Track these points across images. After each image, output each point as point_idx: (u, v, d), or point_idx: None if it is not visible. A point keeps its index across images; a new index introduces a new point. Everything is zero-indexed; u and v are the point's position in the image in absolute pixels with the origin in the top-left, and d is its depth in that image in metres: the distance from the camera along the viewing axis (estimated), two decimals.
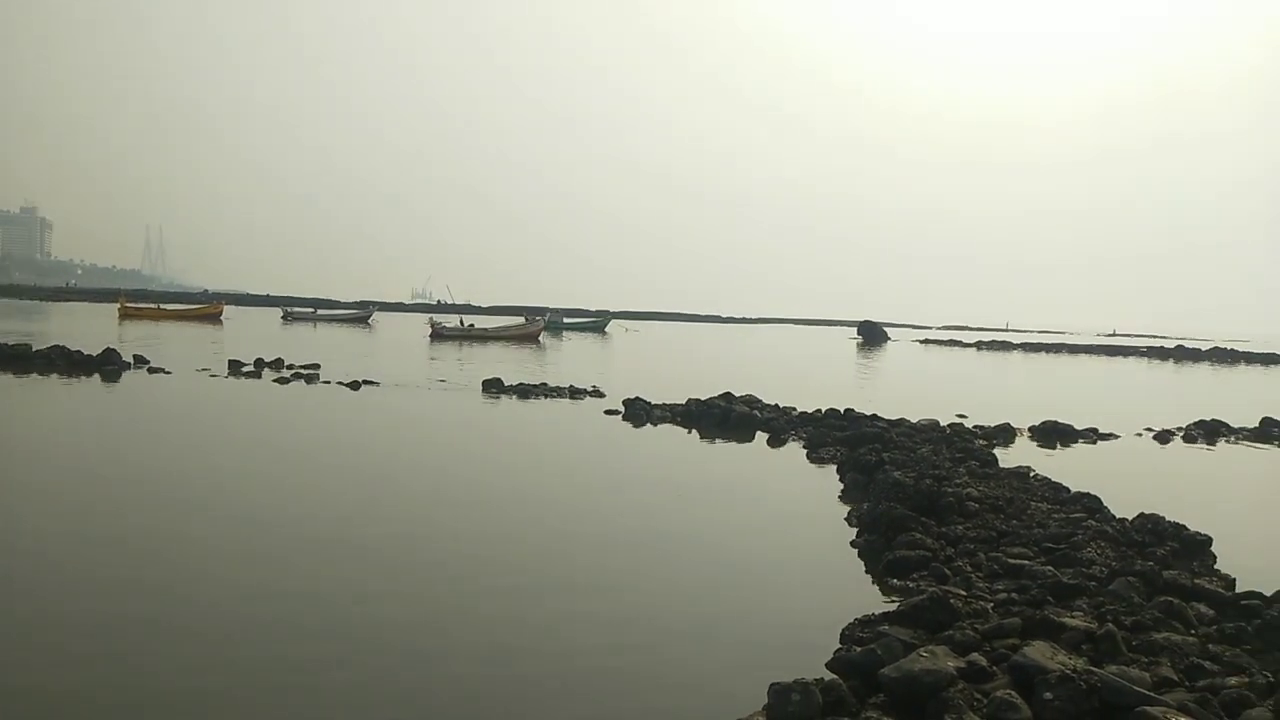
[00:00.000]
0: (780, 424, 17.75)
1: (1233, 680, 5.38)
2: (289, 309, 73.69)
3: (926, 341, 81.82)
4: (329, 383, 22.17)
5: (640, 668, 5.82)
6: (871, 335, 79.39)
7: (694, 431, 17.49)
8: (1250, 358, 65.27)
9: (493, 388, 22.61)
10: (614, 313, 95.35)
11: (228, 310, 69.02)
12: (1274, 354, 68.92)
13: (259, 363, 25.07)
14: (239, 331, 47.71)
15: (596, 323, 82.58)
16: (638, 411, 18.90)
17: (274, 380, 22.32)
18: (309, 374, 23.62)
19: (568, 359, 40.75)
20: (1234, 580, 7.84)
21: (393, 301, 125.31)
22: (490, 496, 10.94)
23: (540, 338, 56.80)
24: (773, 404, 19.71)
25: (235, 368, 24.14)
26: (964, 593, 6.99)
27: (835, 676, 5.15)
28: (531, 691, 5.43)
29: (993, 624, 5.76)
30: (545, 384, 23.49)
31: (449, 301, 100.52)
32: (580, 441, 15.90)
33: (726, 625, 6.62)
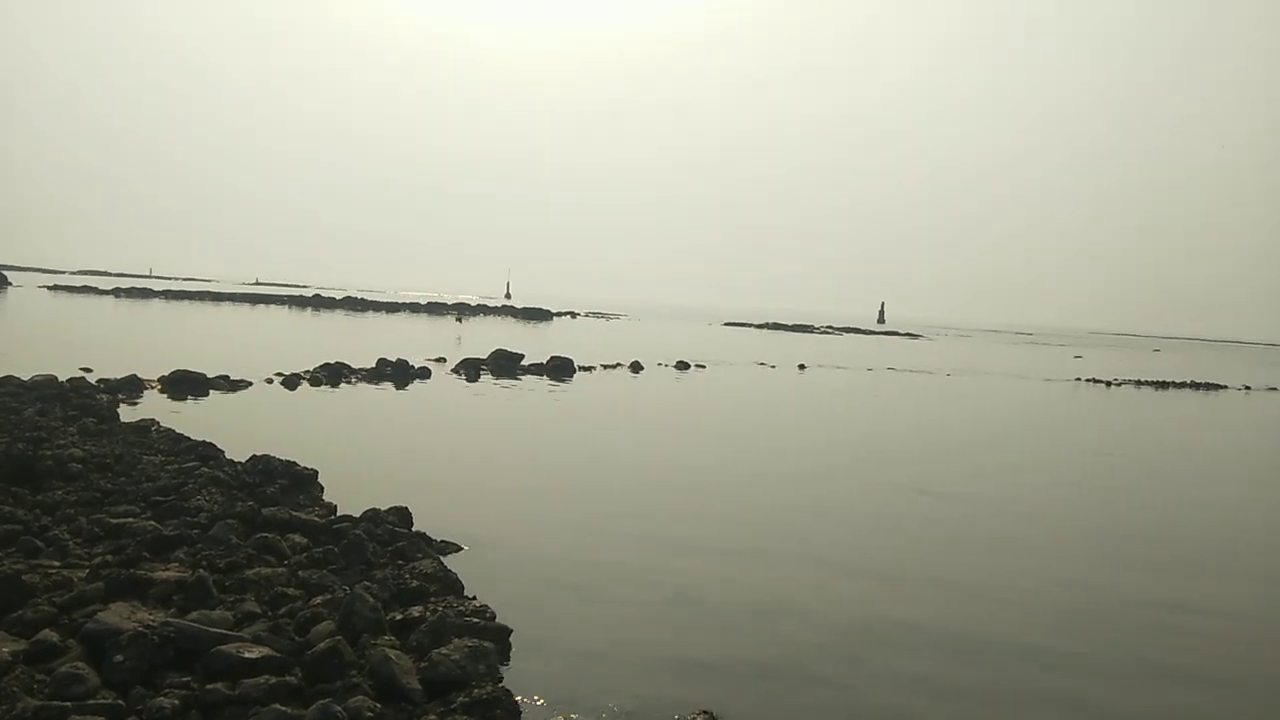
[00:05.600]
0: None
1: (317, 600, 5.92)
2: None
3: (56, 288, 73.02)
4: None
5: None
6: None
7: None
8: (378, 305, 73.93)
9: None
10: None
11: None
12: (397, 303, 79.32)
13: None
14: None
15: None
16: None
17: None
18: None
19: None
20: (335, 507, 8.71)
21: None
22: None
23: None
24: None
25: None
26: (57, 564, 6.34)
27: None
28: None
29: (74, 594, 5.31)
30: None
31: None
32: None
33: None
